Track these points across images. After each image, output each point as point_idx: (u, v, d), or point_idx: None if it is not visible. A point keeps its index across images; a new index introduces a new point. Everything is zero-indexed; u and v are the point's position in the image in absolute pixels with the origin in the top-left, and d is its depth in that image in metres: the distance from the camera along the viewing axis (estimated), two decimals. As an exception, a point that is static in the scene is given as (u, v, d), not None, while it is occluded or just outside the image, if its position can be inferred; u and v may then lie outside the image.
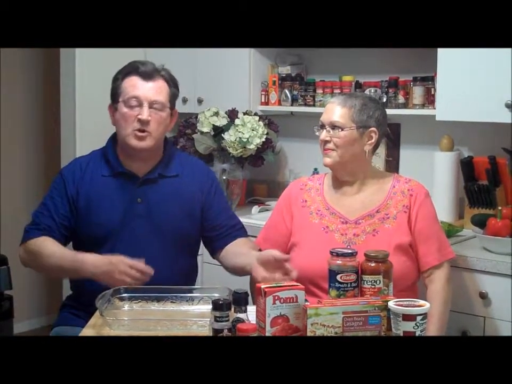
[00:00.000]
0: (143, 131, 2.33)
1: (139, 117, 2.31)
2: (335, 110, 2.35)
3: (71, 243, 2.49)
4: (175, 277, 2.35)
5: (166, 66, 2.47)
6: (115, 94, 2.38)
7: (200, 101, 3.85)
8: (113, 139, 2.46)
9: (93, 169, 2.43)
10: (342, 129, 2.32)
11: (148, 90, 2.33)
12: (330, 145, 2.35)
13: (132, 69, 2.36)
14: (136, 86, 2.34)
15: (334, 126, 2.34)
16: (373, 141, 2.37)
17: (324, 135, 2.36)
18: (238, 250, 2.42)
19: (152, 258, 2.30)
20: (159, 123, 2.35)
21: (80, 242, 2.43)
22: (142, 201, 2.39)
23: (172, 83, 2.41)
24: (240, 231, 2.52)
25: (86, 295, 2.27)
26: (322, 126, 2.37)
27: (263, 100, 3.75)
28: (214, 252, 2.52)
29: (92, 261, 2.22)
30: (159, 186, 2.42)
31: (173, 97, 2.41)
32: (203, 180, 2.50)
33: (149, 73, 2.34)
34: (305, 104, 3.60)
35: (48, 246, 2.33)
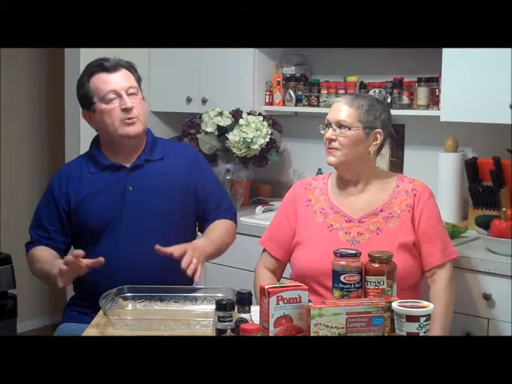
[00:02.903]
0: (131, 118, 2.37)
1: (123, 106, 2.36)
2: (342, 109, 2.35)
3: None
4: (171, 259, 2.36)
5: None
6: (88, 98, 2.41)
7: (204, 101, 3.85)
8: (95, 141, 2.51)
9: (80, 170, 2.47)
10: (349, 129, 2.32)
11: (119, 80, 2.39)
12: (335, 144, 2.35)
13: (95, 68, 2.41)
14: (108, 81, 2.38)
15: (340, 125, 2.33)
16: (377, 142, 2.37)
17: (329, 133, 2.35)
18: (204, 233, 2.50)
19: (153, 242, 2.32)
20: (140, 107, 2.41)
21: (80, 239, 2.46)
22: (134, 188, 2.42)
23: (133, 68, 2.47)
24: (224, 213, 2.56)
25: (91, 293, 2.29)
26: (328, 125, 2.37)
27: (267, 100, 3.75)
28: (201, 230, 2.57)
29: (56, 264, 2.24)
30: (146, 171, 2.45)
31: (139, 81, 2.47)
32: (191, 161, 2.54)
33: (113, 66, 2.40)
34: (310, 105, 3.60)
35: (36, 254, 2.42)
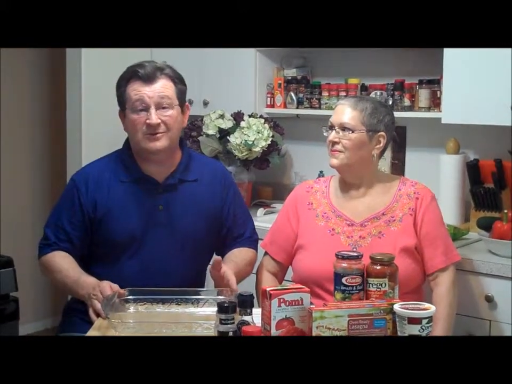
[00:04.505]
0: (154, 134, 2.28)
1: (148, 121, 2.27)
2: (346, 112, 2.34)
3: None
4: (192, 283, 2.35)
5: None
6: (121, 102, 2.34)
7: (205, 103, 3.85)
8: (128, 143, 2.41)
9: (110, 175, 2.37)
10: (352, 132, 2.32)
11: (152, 92, 2.28)
12: (338, 147, 2.34)
13: (132, 74, 2.31)
14: (140, 91, 2.28)
15: (344, 128, 2.33)
16: (381, 145, 2.37)
17: (332, 136, 2.35)
18: (228, 257, 2.44)
19: (172, 265, 2.34)
20: (170, 122, 2.30)
21: (99, 248, 2.38)
22: (163, 208, 2.35)
23: (177, 79, 2.34)
24: (247, 241, 2.51)
25: None
26: (331, 127, 2.37)
27: (268, 103, 3.75)
28: (218, 253, 2.51)
29: (83, 283, 2.21)
30: (179, 192, 2.37)
31: (180, 93, 2.35)
32: (222, 185, 2.47)
33: (149, 75, 2.28)
34: (311, 107, 3.60)
35: (56, 262, 2.33)
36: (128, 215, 2.33)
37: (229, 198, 2.47)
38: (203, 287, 2.49)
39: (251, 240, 2.53)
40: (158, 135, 2.29)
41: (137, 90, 2.29)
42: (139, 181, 2.36)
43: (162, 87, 2.30)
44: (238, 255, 2.45)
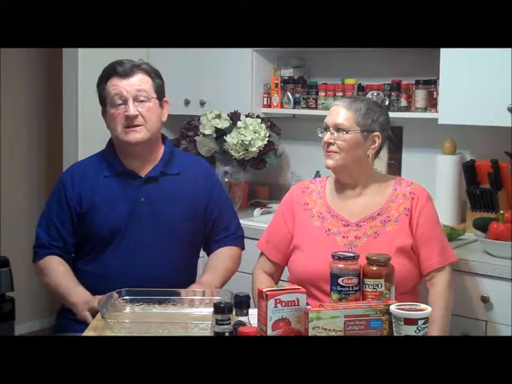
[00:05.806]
0: (133, 126, 2.35)
1: (126, 113, 2.34)
2: (340, 113, 2.34)
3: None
4: (177, 276, 2.38)
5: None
6: (102, 99, 2.41)
7: (202, 103, 3.85)
8: (112, 142, 2.48)
9: (94, 171, 2.44)
10: (347, 132, 2.32)
11: (130, 86, 2.36)
12: (333, 148, 2.34)
13: (111, 71, 2.39)
14: (118, 86, 2.36)
15: (338, 129, 2.33)
16: (376, 145, 2.37)
17: (327, 137, 2.35)
18: (208, 264, 2.51)
19: (156, 257, 2.37)
20: (147, 115, 2.37)
21: (84, 243, 2.43)
22: (146, 200, 2.40)
23: (154, 74, 2.43)
24: (231, 238, 2.56)
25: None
26: (326, 128, 2.37)
27: (265, 103, 3.75)
28: (207, 252, 2.59)
29: (74, 292, 2.30)
30: (161, 184, 2.43)
31: (158, 87, 2.42)
32: (206, 179, 2.52)
33: (126, 71, 2.37)
34: (308, 107, 3.60)
35: (51, 268, 2.40)
36: (111, 208, 2.39)
37: (214, 195, 2.52)
38: (193, 280, 2.50)
39: (235, 236, 2.58)
40: (136, 127, 2.36)
41: (116, 85, 2.37)
42: (122, 175, 2.43)
43: (139, 81, 2.38)
44: (219, 257, 2.51)
